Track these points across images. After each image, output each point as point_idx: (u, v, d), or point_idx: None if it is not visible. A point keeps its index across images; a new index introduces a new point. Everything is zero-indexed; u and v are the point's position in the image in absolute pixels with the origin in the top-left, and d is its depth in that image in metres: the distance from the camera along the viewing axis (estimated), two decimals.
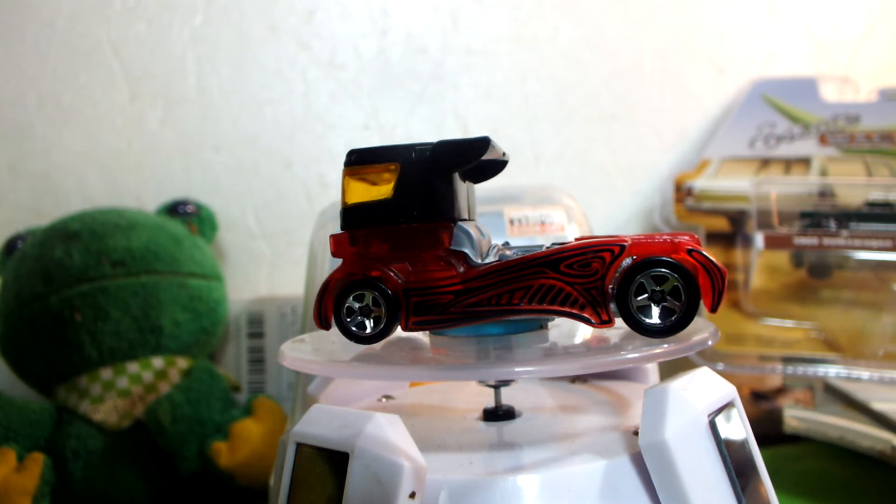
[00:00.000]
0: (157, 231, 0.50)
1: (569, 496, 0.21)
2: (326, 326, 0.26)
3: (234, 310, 0.56)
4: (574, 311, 0.24)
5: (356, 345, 0.26)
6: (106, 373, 0.46)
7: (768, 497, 0.23)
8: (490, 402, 0.27)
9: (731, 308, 0.53)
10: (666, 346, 0.23)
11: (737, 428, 0.23)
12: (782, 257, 0.53)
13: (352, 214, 0.25)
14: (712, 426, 0.22)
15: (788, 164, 0.57)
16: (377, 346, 0.27)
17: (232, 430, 0.45)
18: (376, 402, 0.31)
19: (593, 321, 0.24)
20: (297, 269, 0.55)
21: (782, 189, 0.52)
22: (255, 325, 0.57)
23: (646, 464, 0.21)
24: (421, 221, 0.25)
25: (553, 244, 0.25)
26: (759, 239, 0.52)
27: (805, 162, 0.57)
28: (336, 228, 0.26)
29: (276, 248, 0.60)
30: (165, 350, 0.47)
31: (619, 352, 0.23)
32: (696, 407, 0.22)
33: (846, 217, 0.50)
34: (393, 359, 0.26)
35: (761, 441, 0.25)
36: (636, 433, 0.23)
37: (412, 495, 0.20)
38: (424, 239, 0.25)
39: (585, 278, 0.23)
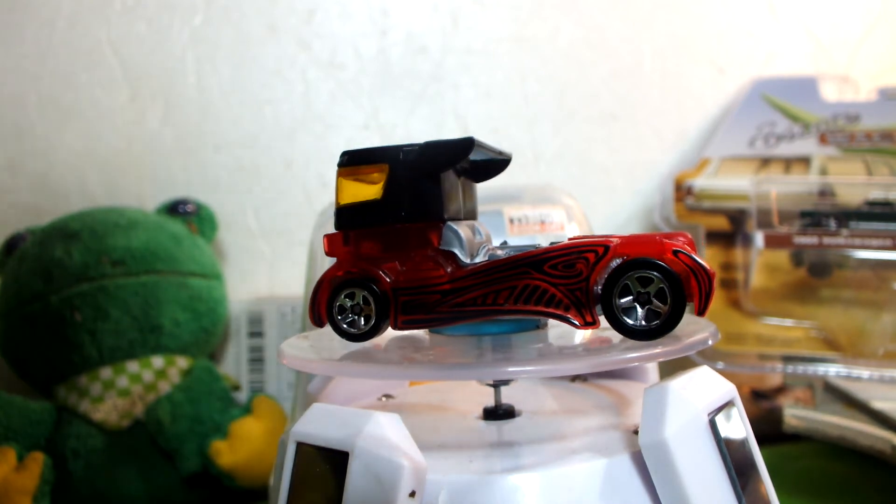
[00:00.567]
0: (157, 230, 0.50)
1: (569, 495, 0.21)
2: (320, 324, 0.26)
3: (234, 309, 0.56)
4: (558, 312, 0.24)
5: (354, 343, 0.26)
6: (106, 372, 0.46)
7: (768, 496, 0.23)
8: (490, 402, 0.27)
9: (731, 307, 0.53)
10: (666, 345, 0.23)
11: (737, 427, 0.23)
12: (782, 256, 0.53)
13: (344, 214, 0.26)
14: (712, 425, 0.22)
15: (788, 163, 0.57)
16: (381, 344, 0.27)
17: (232, 430, 0.45)
18: (376, 402, 0.31)
19: (577, 322, 0.23)
20: (297, 268, 0.55)
21: (782, 188, 0.52)
22: (255, 325, 0.57)
23: (646, 463, 0.21)
24: (409, 222, 0.25)
25: (551, 244, 0.25)
26: (759, 238, 0.52)
27: (805, 161, 0.57)
28: None
29: (275, 248, 0.60)
30: (165, 349, 0.47)
31: (619, 351, 0.23)
32: (696, 406, 0.22)
33: (846, 216, 0.50)
34: (393, 358, 0.26)
35: (761, 440, 0.25)
36: (636, 432, 0.23)
37: (412, 494, 0.20)
38: (413, 239, 0.25)
39: (569, 279, 0.23)
